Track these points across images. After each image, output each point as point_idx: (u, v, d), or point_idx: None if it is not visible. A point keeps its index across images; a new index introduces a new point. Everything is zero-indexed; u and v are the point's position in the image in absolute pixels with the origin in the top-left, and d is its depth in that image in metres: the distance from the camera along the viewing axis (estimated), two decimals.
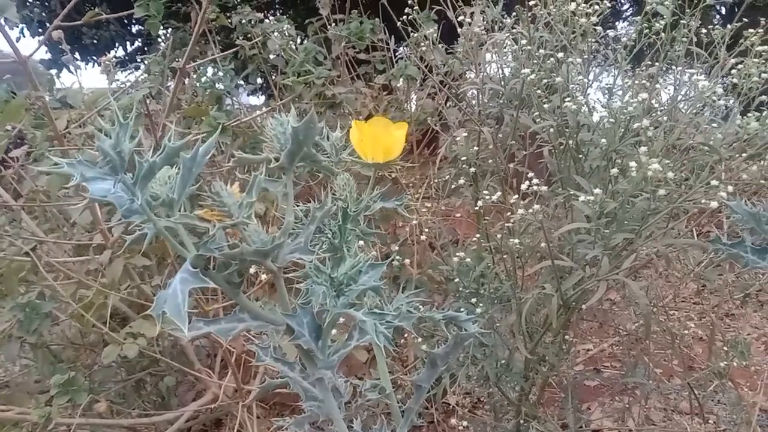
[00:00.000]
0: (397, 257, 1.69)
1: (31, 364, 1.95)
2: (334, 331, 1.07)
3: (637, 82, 1.49)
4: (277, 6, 7.14)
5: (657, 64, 1.49)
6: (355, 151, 0.78)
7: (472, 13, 1.71)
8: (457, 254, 1.55)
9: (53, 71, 6.28)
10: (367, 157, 0.79)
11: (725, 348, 1.80)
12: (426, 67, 2.05)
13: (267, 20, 2.68)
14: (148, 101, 1.94)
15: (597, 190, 1.23)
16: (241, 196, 0.62)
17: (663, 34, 1.43)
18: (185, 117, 2.01)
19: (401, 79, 2.47)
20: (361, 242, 0.82)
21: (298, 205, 0.74)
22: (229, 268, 0.62)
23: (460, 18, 1.65)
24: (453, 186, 1.74)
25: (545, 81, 1.48)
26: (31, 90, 1.53)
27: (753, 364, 1.85)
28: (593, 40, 1.54)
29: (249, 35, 2.60)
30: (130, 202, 0.53)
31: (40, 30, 6.89)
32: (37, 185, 1.90)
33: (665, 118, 1.44)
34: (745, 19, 1.50)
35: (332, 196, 0.79)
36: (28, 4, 6.75)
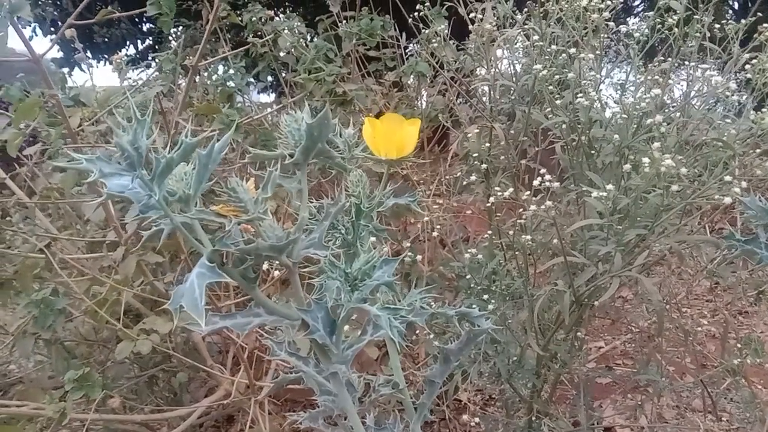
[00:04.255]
0: (409, 254, 1.69)
1: (45, 360, 1.97)
2: (346, 327, 1.07)
3: (649, 77, 1.48)
4: (287, 3, 7.15)
5: (670, 59, 1.48)
6: (368, 147, 0.79)
7: (484, 9, 1.70)
8: (469, 251, 1.55)
9: (65, 70, 6.34)
10: (380, 153, 0.79)
11: (738, 345, 1.78)
12: (437, 63, 2.04)
13: (277, 18, 2.68)
14: (160, 99, 1.95)
15: (610, 186, 1.23)
16: (256, 192, 0.62)
17: (676, 29, 1.42)
18: (197, 114, 2.02)
19: (412, 76, 2.47)
20: (374, 239, 0.82)
21: (311, 202, 0.74)
22: (244, 263, 0.63)
23: (471, 15, 1.65)
24: (464, 183, 1.74)
25: (557, 77, 1.47)
26: (44, 88, 1.54)
27: (767, 361, 1.84)
28: (605, 35, 1.54)
29: (260, 33, 2.60)
30: (148, 198, 0.54)
31: (52, 29, 6.93)
32: (51, 183, 1.91)
33: (678, 114, 1.43)
34: (759, 14, 1.49)
35: (345, 192, 0.79)
36: (40, 3, 6.79)
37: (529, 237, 1.44)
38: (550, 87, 1.48)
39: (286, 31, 2.46)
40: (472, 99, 1.92)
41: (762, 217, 0.79)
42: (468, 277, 1.57)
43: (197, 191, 0.59)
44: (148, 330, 1.72)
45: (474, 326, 0.86)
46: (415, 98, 2.64)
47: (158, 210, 0.55)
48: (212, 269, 0.56)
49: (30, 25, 6.64)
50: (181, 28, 5.02)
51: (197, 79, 2.57)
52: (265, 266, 1.21)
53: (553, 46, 1.50)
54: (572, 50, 1.48)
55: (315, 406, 0.80)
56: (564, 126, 1.51)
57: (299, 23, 2.55)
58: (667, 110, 1.45)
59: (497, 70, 1.73)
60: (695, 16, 1.44)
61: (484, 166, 1.66)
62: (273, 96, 6.31)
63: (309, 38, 2.53)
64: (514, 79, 1.65)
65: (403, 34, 2.58)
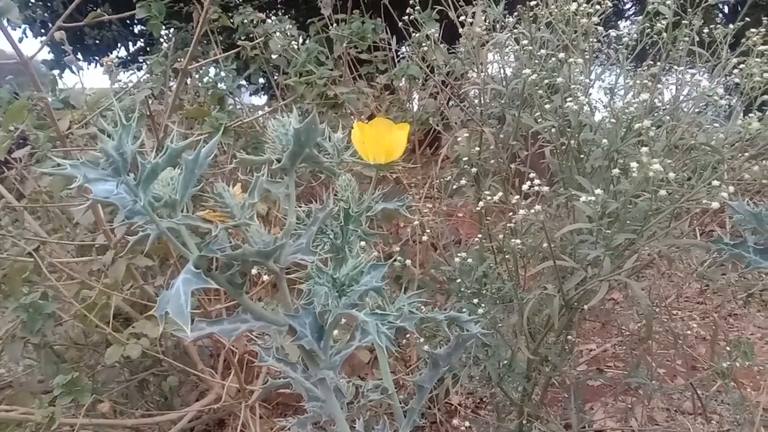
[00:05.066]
0: (399, 258, 1.69)
1: (35, 364, 1.96)
2: (336, 332, 1.07)
3: (639, 81, 1.49)
4: (278, 6, 7.14)
5: (659, 63, 1.49)
6: (357, 151, 0.78)
7: (474, 13, 1.71)
8: (459, 254, 1.55)
9: (56, 72, 6.31)
10: (369, 158, 0.79)
11: (728, 348, 1.79)
12: (428, 66, 2.05)
13: (269, 20, 2.68)
14: (150, 101, 1.95)
15: (599, 191, 1.23)
16: (243, 197, 0.62)
17: (665, 33, 1.43)
18: (187, 117, 2.01)
19: (403, 79, 2.47)
20: (363, 243, 0.82)
21: (300, 206, 0.74)
22: (231, 268, 0.62)
23: (462, 18, 1.65)
24: (455, 186, 1.74)
25: (547, 81, 1.48)
26: (33, 91, 1.53)
27: (756, 364, 1.85)
28: (595, 39, 1.54)
29: (251, 35, 2.60)
30: (133, 203, 0.54)
31: (42, 30, 6.90)
32: (40, 186, 1.90)
33: (667, 117, 1.43)
34: (747, 19, 1.50)
35: (334, 196, 0.79)
36: (30, 4, 6.75)
37: (519, 241, 1.44)
38: (540, 91, 1.48)
39: (277, 34, 2.46)
40: (463, 102, 1.92)
41: (750, 221, 0.79)
42: (458, 280, 1.57)
43: (184, 196, 0.58)
44: (138, 334, 1.72)
45: (463, 330, 0.86)
46: (407, 101, 2.64)
47: (144, 215, 0.55)
48: (198, 275, 0.55)
49: (20, 27, 6.60)
50: (172, 30, 5.00)
51: (188, 81, 2.56)
52: (254, 270, 1.21)
53: (543, 51, 1.50)
54: (561, 54, 1.48)
55: (306, 410, 0.79)
56: (553, 130, 1.52)
57: (291, 26, 2.55)
58: (656, 114, 1.46)
59: (487, 73, 1.73)
60: (684, 21, 1.45)
61: (474, 169, 1.66)
62: (265, 98, 6.31)
63: (300, 41, 2.53)
64: (504, 82, 1.66)
65: (394, 37, 2.59)
